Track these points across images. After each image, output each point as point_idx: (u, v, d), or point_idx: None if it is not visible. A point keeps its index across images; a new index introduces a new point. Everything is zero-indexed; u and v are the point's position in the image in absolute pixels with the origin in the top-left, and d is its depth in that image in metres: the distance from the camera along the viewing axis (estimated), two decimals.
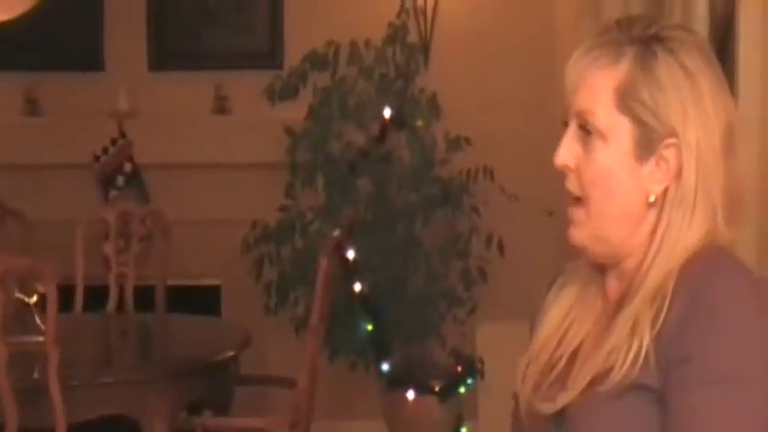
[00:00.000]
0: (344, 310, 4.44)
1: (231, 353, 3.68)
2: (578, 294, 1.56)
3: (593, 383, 1.45)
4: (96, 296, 4.24)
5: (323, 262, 3.72)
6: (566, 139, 1.50)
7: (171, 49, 5.24)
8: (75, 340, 3.67)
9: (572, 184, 1.49)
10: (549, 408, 1.49)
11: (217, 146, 5.10)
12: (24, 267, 3.25)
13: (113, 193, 4.99)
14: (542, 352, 1.55)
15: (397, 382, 4.63)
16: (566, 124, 1.51)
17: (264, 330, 4.76)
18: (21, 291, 3.48)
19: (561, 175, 1.51)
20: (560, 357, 1.53)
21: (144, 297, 4.27)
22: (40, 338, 3.20)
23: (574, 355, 1.52)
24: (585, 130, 1.48)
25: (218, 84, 5.16)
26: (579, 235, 1.50)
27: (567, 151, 1.49)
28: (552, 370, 1.52)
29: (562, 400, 1.48)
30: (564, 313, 1.56)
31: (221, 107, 5.18)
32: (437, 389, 4.59)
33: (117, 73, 5.22)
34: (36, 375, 3.30)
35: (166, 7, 5.23)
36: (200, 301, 4.96)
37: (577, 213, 1.49)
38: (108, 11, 5.26)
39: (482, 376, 4.68)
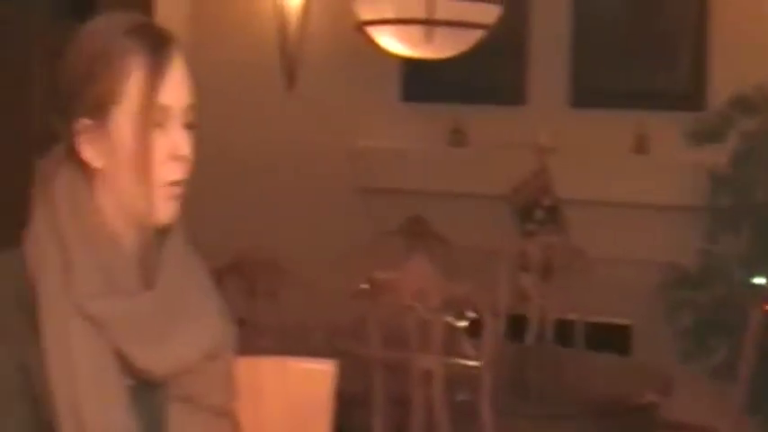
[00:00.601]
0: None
1: (653, 397, 3.63)
2: None
3: None
4: (513, 326, 4.31)
5: (753, 312, 3.62)
6: None
7: (592, 87, 5.28)
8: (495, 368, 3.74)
9: None
10: None
11: (634, 185, 5.07)
12: (465, 295, 3.36)
13: (531, 226, 5.06)
14: None
15: None
16: None
17: (675, 375, 4.66)
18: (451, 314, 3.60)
19: None
20: None
21: (559, 331, 4.30)
22: (475, 363, 3.30)
23: None
24: None
25: (639, 122, 5.13)
26: None
27: None
28: None
29: None
30: None
31: (641, 146, 5.14)
32: None
33: (539, 108, 5.33)
34: (460, 398, 3.40)
35: (589, 45, 5.28)
36: (611, 339, 4.91)
37: None
38: (532, 48, 5.38)
39: None
